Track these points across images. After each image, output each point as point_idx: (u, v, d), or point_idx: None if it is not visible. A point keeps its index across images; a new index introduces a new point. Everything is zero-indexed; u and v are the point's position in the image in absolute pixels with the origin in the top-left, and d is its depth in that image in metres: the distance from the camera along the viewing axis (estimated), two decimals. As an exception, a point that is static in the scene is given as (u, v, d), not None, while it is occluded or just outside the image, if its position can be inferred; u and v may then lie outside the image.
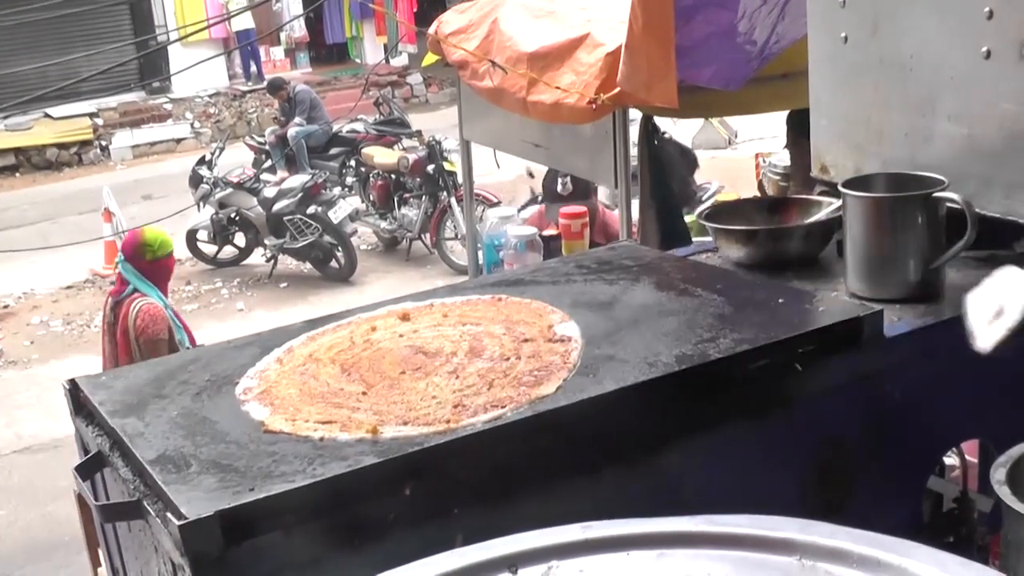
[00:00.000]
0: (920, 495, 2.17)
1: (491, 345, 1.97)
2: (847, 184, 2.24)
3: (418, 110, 17.65)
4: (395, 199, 11.22)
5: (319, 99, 14.01)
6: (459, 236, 10.15)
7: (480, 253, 4.80)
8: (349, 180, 12.52)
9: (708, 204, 7.47)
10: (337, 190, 11.91)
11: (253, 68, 19.47)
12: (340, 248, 10.69)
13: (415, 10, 18.83)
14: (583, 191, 5.14)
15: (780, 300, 2.12)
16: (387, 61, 18.84)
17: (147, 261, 5.27)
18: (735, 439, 1.88)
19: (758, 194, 6.79)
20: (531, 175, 8.55)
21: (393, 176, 11.28)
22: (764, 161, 9.00)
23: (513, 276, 2.52)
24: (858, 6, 2.44)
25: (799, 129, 3.97)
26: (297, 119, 13.27)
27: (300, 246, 10.61)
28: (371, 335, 2.08)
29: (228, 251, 11.48)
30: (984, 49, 2.16)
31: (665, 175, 4.18)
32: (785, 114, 4.22)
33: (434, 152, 10.86)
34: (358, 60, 20.73)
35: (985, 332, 1.77)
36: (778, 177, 6.92)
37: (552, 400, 1.75)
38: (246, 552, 1.49)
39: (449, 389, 1.81)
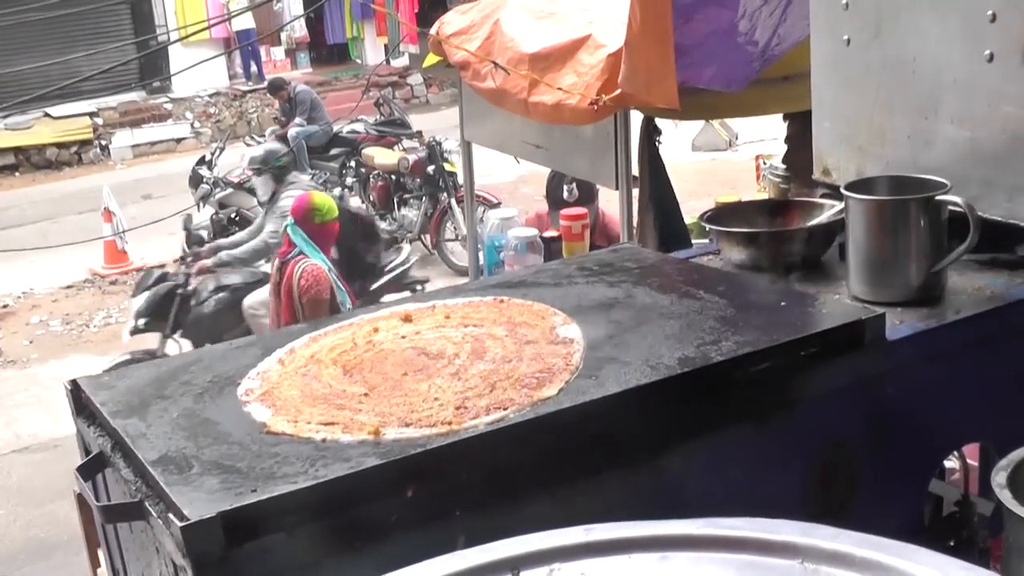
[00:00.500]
0: (922, 498, 2.17)
1: (493, 347, 1.97)
2: (849, 187, 2.24)
3: (419, 111, 17.65)
4: (395, 200, 11.22)
5: (319, 99, 14.01)
6: (459, 237, 10.15)
7: (481, 254, 4.80)
8: (349, 181, 12.52)
9: (388, 278, 7.16)
10: (337, 190, 11.91)
11: (254, 68, 19.47)
12: (340, 249, 10.69)
13: (416, 11, 18.83)
14: (588, 195, 5.15)
15: (782, 303, 2.12)
16: (388, 62, 18.84)
17: (315, 224, 5.64)
18: (737, 442, 1.88)
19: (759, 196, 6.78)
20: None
21: (393, 177, 11.28)
22: (765, 163, 9.00)
23: (515, 278, 2.52)
24: (861, 8, 2.44)
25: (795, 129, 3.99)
26: (297, 119, 13.26)
27: (300, 247, 10.61)
28: (373, 336, 2.08)
29: (229, 251, 11.48)
30: (987, 52, 2.16)
31: (665, 177, 4.17)
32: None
33: (434, 153, 10.86)
34: (359, 61, 20.73)
35: None
36: (779, 179, 6.91)
37: (554, 402, 1.75)
38: (248, 553, 1.48)
39: (451, 391, 1.81)
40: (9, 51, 16.20)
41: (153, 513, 1.57)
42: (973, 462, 2.31)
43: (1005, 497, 1.53)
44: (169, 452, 1.68)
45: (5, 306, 10.77)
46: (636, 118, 4.00)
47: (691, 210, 4.24)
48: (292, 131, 13.14)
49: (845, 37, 2.48)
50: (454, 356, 1.95)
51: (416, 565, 1.07)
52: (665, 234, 4.04)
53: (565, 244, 4.25)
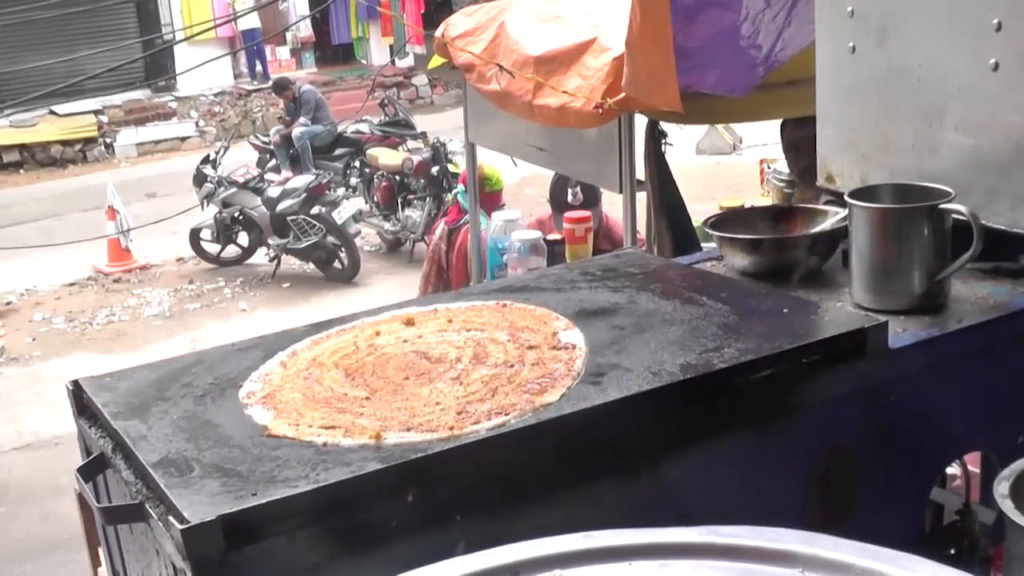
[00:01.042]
0: (923, 506, 2.17)
1: (495, 352, 1.97)
2: (853, 194, 2.23)
3: (423, 111, 17.67)
4: (399, 200, 11.24)
5: (324, 99, 14.03)
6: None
7: (484, 256, 4.80)
8: (353, 181, 12.54)
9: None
10: (341, 191, 11.94)
11: (259, 67, 19.51)
12: (343, 249, 10.71)
13: (422, 12, 18.86)
14: (591, 199, 5.15)
15: (785, 310, 2.12)
16: (393, 62, 18.86)
17: (484, 193, 5.95)
18: (739, 449, 1.88)
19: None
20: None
21: (397, 177, 11.30)
22: (769, 167, 9.01)
23: (518, 282, 2.52)
24: (866, 16, 2.44)
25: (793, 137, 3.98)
26: (302, 119, 13.28)
27: (303, 246, 10.62)
28: (375, 340, 2.08)
29: (231, 250, 11.50)
30: (992, 61, 2.16)
31: (673, 182, 4.17)
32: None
33: (439, 154, 10.88)
34: (364, 61, 20.76)
35: None
36: (783, 184, 6.92)
37: (556, 408, 1.75)
38: (248, 557, 1.48)
39: (453, 395, 1.81)
40: (15, 49, 16.23)
41: (153, 515, 1.57)
42: (975, 469, 2.31)
43: (1007, 507, 1.53)
44: (170, 454, 1.68)
45: (8, 303, 10.78)
46: (640, 122, 4.00)
47: (695, 214, 4.24)
48: (296, 131, 13.16)
49: (850, 44, 2.48)
50: (456, 360, 1.95)
51: (416, 570, 1.07)
52: (680, 239, 4.03)
53: (568, 247, 4.25)
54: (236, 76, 19.52)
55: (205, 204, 11.30)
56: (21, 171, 16.96)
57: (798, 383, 1.93)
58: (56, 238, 11.41)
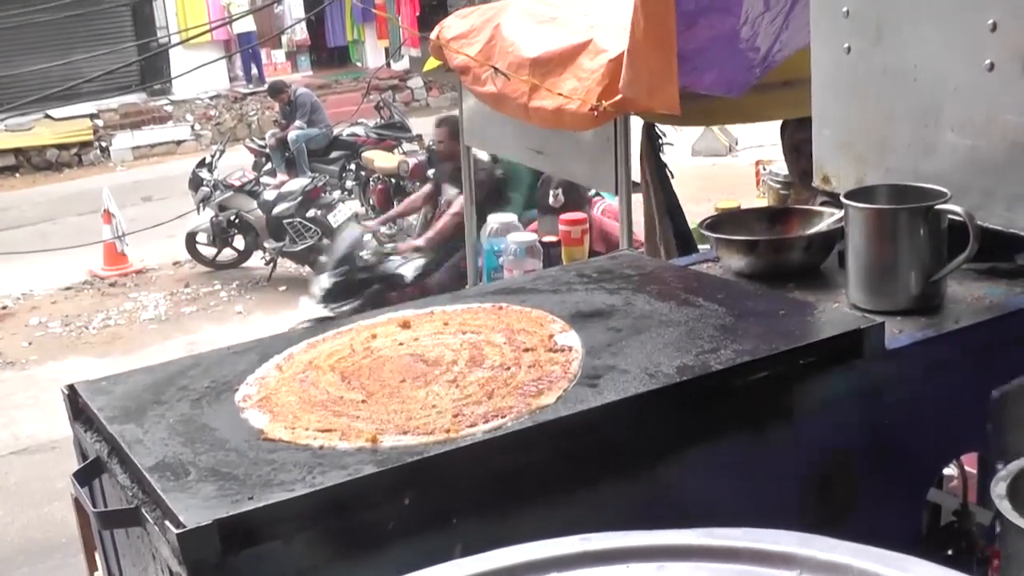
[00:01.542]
0: (920, 507, 2.17)
1: (492, 354, 1.97)
2: (849, 195, 2.23)
3: (419, 114, 17.64)
4: (395, 203, 11.21)
5: (320, 102, 14.01)
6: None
7: (480, 259, 4.80)
8: (349, 184, 12.52)
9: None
10: (337, 194, 11.91)
11: (254, 71, 19.49)
12: (339, 252, 10.69)
13: (417, 14, 18.86)
14: (576, 201, 5.12)
15: (781, 311, 2.12)
16: (388, 65, 18.86)
17: None
18: (735, 451, 1.88)
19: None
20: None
21: (393, 180, 11.29)
22: (764, 169, 9.01)
23: (514, 284, 2.52)
24: (862, 16, 2.44)
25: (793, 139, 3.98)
26: (298, 122, 13.26)
27: (299, 249, 10.60)
28: (371, 343, 2.08)
29: (227, 254, 11.48)
30: (987, 61, 2.16)
31: (670, 184, 4.17)
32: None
33: (434, 156, 10.86)
34: (359, 64, 20.75)
35: None
36: (778, 185, 6.92)
37: (552, 410, 1.75)
38: (245, 561, 1.48)
39: (449, 398, 1.80)
40: (10, 53, 16.19)
41: (149, 519, 1.57)
42: (972, 470, 2.30)
43: (1005, 508, 1.52)
44: (166, 458, 1.67)
45: (4, 307, 10.76)
46: (636, 124, 3.99)
47: (691, 215, 4.24)
48: (292, 134, 13.14)
49: (846, 45, 2.48)
50: (452, 363, 1.95)
51: (413, 574, 1.07)
52: (682, 241, 4.03)
53: (564, 249, 4.25)
54: (232, 79, 19.50)
55: (201, 208, 11.29)
56: (17, 175, 16.93)
57: (795, 384, 1.93)
58: (52, 242, 11.39)
